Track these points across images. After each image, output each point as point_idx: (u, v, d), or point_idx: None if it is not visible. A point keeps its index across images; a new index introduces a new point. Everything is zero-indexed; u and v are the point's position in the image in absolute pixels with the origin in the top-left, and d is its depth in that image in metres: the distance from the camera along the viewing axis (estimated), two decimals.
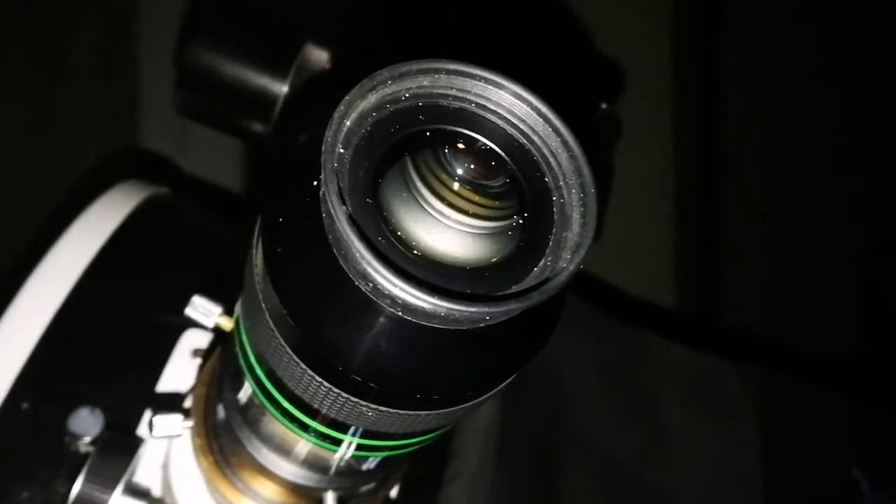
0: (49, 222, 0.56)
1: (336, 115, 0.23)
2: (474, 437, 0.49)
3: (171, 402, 0.42)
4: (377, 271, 0.22)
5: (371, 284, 0.22)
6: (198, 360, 0.46)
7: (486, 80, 0.25)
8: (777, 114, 1.03)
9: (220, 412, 0.35)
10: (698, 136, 1.03)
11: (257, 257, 0.26)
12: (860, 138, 1.01)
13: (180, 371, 0.47)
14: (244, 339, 0.29)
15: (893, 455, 0.58)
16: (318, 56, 0.52)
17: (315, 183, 0.24)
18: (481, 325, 0.23)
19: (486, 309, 0.22)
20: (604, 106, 0.47)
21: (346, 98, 0.23)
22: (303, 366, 0.25)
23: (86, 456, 0.42)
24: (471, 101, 0.25)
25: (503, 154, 0.25)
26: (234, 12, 0.53)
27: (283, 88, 0.51)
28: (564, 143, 0.25)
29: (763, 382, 0.59)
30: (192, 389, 0.40)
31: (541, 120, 0.25)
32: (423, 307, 0.22)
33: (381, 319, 0.23)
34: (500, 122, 0.25)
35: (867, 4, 1.02)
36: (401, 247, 0.23)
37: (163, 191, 0.58)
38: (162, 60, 0.86)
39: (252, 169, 0.88)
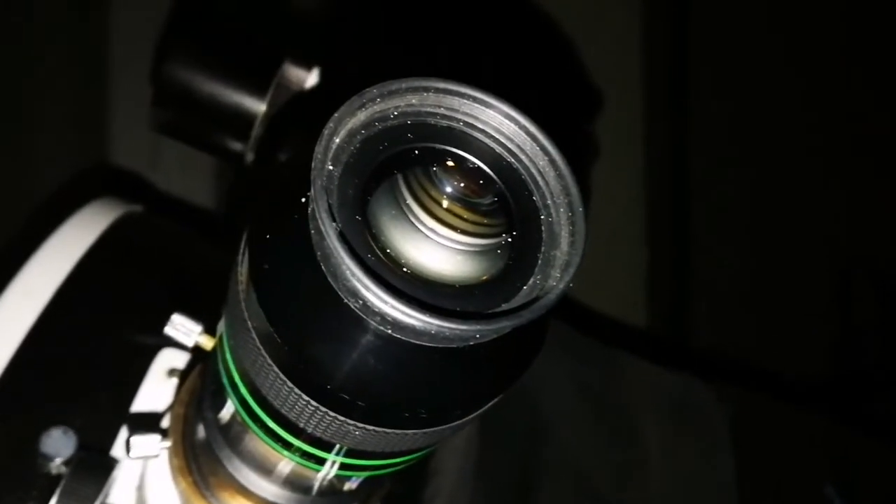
0: (21, 240, 0.55)
1: (325, 131, 0.23)
2: (453, 456, 0.49)
3: (147, 422, 0.41)
4: (367, 288, 0.22)
5: (361, 301, 0.22)
6: (174, 380, 0.45)
7: (475, 99, 0.25)
8: (749, 135, 1.05)
9: (200, 432, 0.35)
10: (669, 156, 1.04)
11: (243, 274, 0.26)
12: (832, 160, 1.03)
13: (156, 391, 0.46)
14: (228, 356, 0.29)
15: (865, 474, 0.59)
16: (297, 74, 0.52)
17: (303, 200, 0.24)
18: (471, 343, 0.23)
19: (477, 327, 0.22)
20: (584, 126, 0.47)
21: (336, 115, 0.23)
22: (289, 384, 0.25)
23: (58, 478, 0.41)
24: (459, 120, 0.25)
25: (491, 172, 0.25)
26: (212, 29, 0.53)
27: (261, 106, 0.51)
28: (552, 161, 0.25)
29: (737, 402, 0.59)
30: (170, 409, 0.40)
31: (528, 139, 0.25)
32: (413, 324, 0.22)
33: (370, 337, 0.23)
34: (487, 140, 0.26)
35: (840, 19, 1.04)
36: (390, 264, 0.23)
37: (136, 208, 0.57)
38: (133, 75, 0.85)
39: (225, 184, 0.88)
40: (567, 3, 0.91)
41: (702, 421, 0.58)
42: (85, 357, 0.48)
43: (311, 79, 0.51)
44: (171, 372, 0.46)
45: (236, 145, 0.52)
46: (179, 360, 0.47)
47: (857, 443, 0.61)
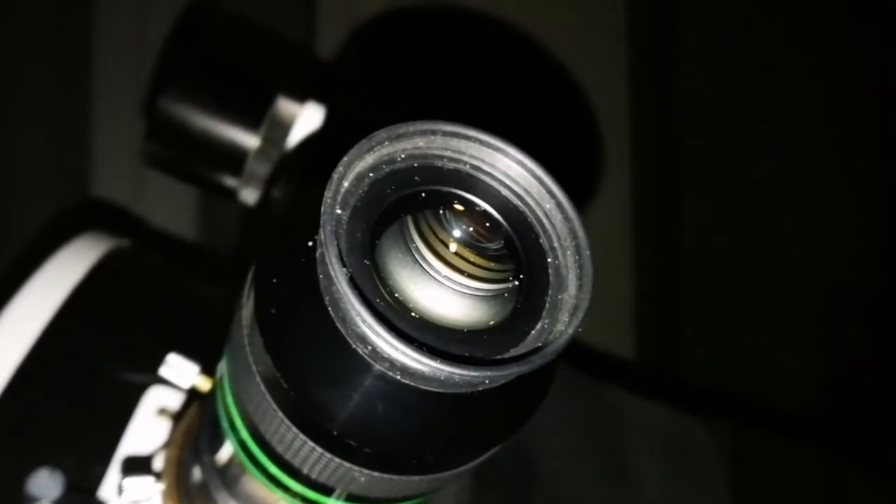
0: (5, 275, 0.54)
1: (335, 175, 0.23)
2: (446, 498, 0.48)
3: (138, 465, 0.40)
4: (377, 334, 0.21)
5: (370, 347, 0.22)
6: (163, 419, 0.44)
7: (481, 142, 0.25)
8: (737, 165, 1.05)
9: (196, 474, 0.34)
10: (657, 186, 1.05)
11: (247, 318, 0.25)
12: (819, 190, 1.04)
13: (145, 430, 0.45)
14: (229, 399, 0.28)
15: None
16: (290, 108, 0.52)
17: (310, 244, 0.24)
18: (479, 388, 0.23)
19: (488, 373, 0.22)
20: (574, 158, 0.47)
21: (345, 159, 0.23)
22: (294, 429, 0.25)
23: None
24: (465, 163, 0.25)
25: (498, 215, 0.25)
26: (206, 64, 0.53)
27: (254, 141, 0.51)
28: (559, 205, 0.25)
29: (731, 437, 0.59)
30: (164, 450, 0.39)
31: (534, 181, 0.25)
32: (423, 371, 0.22)
33: (378, 382, 0.23)
34: (493, 183, 0.25)
35: (830, 54, 1.05)
36: (399, 308, 0.23)
37: (124, 242, 0.57)
38: (116, 107, 0.85)
39: (209, 216, 0.88)
40: (554, 33, 0.92)
41: (696, 456, 0.58)
42: (72, 395, 0.47)
43: (305, 113, 0.51)
44: (161, 411, 0.45)
45: (229, 180, 0.51)
46: (169, 398, 0.46)
47: (854, 477, 0.61)
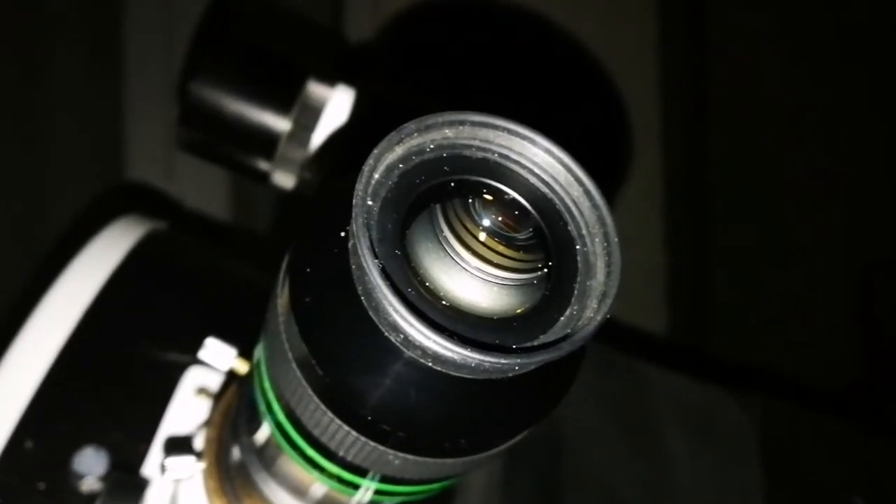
0: (45, 261, 0.56)
1: (365, 168, 0.23)
2: (478, 473, 0.49)
3: (180, 444, 0.41)
4: (409, 323, 0.22)
5: (402, 336, 0.23)
6: (202, 399, 0.46)
7: (509, 131, 0.25)
8: (767, 134, 1.04)
9: (235, 454, 0.35)
10: (687, 162, 1.04)
11: (283, 305, 0.26)
12: (851, 163, 1.03)
13: (184, 410, 0.46)
14: (266, 383, 0.29)
15: (894, 482, 0.59)
16: (321, 91, 0.52)
17: (343, 234, 0.24)
18: (509, 374, 0.24)
19: (518, 360, 0.22)
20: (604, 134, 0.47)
21: (375, 151, 0.24)
22: (330, 414, 0.25)
23: (89, 496, 0.42)
24: (493, 152, 0.26)
25: (526, 203, 0.25)
26: (236, 49, 0.53)
27: (285, 124, 0.52)
28: (587, 192, 0.25)
29: (763, 412, 0.59)
30: (201, 430, 0.40)
31: (562, 169, 0.26)
32: (453, 358, 0.22)
33: (410, 369, 0.24)
34: (522, 171, 0.26)
35: (859, 41, 1.04)
36: (429, 297, 0.24)
37: (161, 225, 0.58)
38: (149, 92, 0.86)
39: (241, 197, 0.89)
40: (583, 23, 0.91)
41: (728, 432, 0.58)
42: (114, 376, 0.49)
43: (335, 96, 0.52)
44: (200, 391, 0.46)
45: (261, 164, 0.52)
46: (208, 378, 0.47)
47: (885, 451, 0.61)
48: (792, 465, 0.58)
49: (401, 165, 0.25)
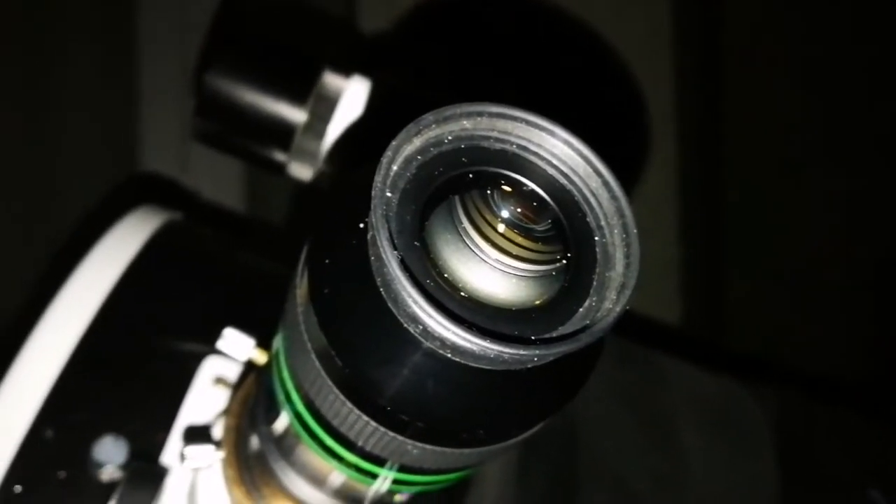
0: (63, 252, 0.56)
1: (384, 160, 0.24)
2: (493, 463, 0.49)
3: (199, 433, 0.42)
4: (428, 315, 0.22)
5: (421, 327, 0.23)
6: (220, 388, 0.46)
7: (528, 123, 0.25)
8: (781, 130, 1.04)
9: (254, 443, 0.35)
10: (702, 153, 1.04)
11: (302, 296, 0.26)
12: (865, 156, 1.02)
13: (203, 399, 0.47)
14: (284, 373, 0.29)
15: None
16: (336, 82, 0.52)
17: (362, 225, 0.25)
18: (528, 365, 0.24)
19: (537, 352, 0.22)
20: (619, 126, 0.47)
21: (393, 143, 0.24)
22: (349, 404, 0.26)
23: (110, 484, 0.42)
24: (512, 143, 0.26)
25: (545, 195, 0.25)
26: (252, 40, 0.53)
27: (301, 115, 0.52)
28: (605, 183, 0.25)
29: (777, 403, 0.59)
30: (220, 419, 0.41)
31: (581, 160, 0.26)
32: (472, 350, 0.22)
33: (429, 360, 0.24)
34: (540, 162, 0.26)
35: (877, 40, 1.03)
36: (448, 289, 0.24)
37: (177, 216, 0.58)
38: (163, 83, 0.86)
39: (256, 188, 0.89)
40: (598, 14, 0.91)
41: (742, 424, 0.58)
42: (133, 366, 0.49)
43: (350, 87, 0.52)
44: (218, 380, 0.47)
45: (278, 155, 0.52)
46: (225, 368, 0.48)
47: None
48: (806, 458, 0.58)
49: (419, 157, 0.25)
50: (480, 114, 0.25)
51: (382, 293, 0.24)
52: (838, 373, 0.95)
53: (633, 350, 0.60)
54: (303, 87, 0.51)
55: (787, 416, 0.60)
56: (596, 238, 0.25)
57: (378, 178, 0.23)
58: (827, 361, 0.96)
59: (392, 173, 0.24)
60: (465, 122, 0.25)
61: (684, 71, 1.01)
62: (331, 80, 0.52)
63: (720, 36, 1.03)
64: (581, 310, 0.24)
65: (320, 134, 0.51)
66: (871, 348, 1.00)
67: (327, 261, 0.25)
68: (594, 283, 0.25)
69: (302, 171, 0.52)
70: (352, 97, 0.51)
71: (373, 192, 0.23)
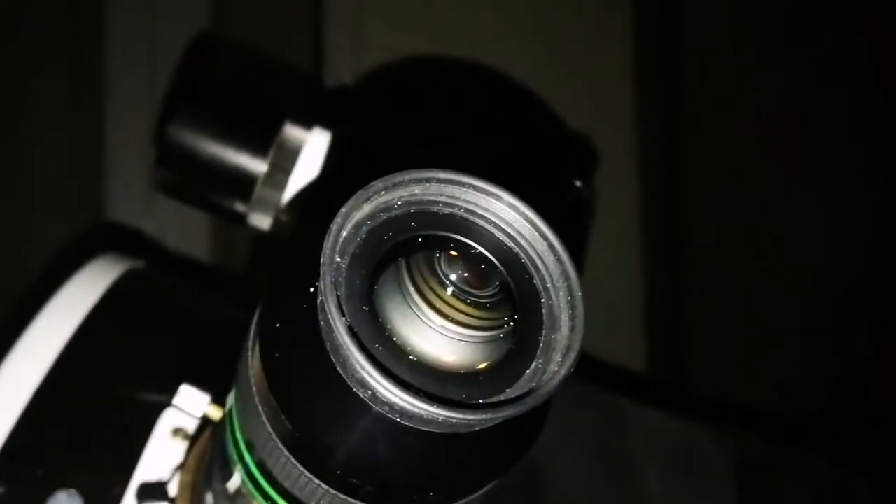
0: (24, 299, 0.55)
1: (333, 226, 0.24)
2: None
3: (154, 490, 0.41)
4: (376, 381, 0.22)
5: (370, 392, 0.23)
6: (179, 441, 0.46)
7: (475, 188, 0.26)
8: (742, 168, 1.06)
9: (209, 501, 0.35)
10: (663, 193, 1.05)
11: (253, 359, 0.26)
12: (825, 191, 1.04)
13: (161, 451, 0.46)
14: (237, 433, 0.29)
15: None
16: (297, 134, 0.53)
17: (311, 290, 0.25)
18: (476, 428, 0.24)
19: (483, 416, 0.23)
20: (577, 184, 0.48)
21: (343, 210, 0.24)
22: (300, 467, 0.26)
23: None
24: (460, 207, 0.26)
25: (492, 257, 0.26)
26: (213, 91, 0.54)
27: (262, 166, 0.52)
28: (551, 246, 0.26)
29: (740, 448, 0.60)
30: (178, 475, 0.40)
31: (527, 224, 0.26)
32: (421, 414, 0.23)
33: (379, 424, 0.24)
34: (488, 226, 0.26)
35: (836, 65, 1.05)
36: (396, 353, 0.24)
37: (139, 264, 0.58)
38: (129, 133, 0.87)
39: (221, 239, 0.89)
40: (558, 62, 0.93)
41: (704, 468, 0.58)
42: (90, 418, 0.49)
43: (312, 139, 0.52)
44: (177, 432, 0.46)
45: (238, 205, 0.52)
46: (184, 419, 0.47)
47: (861, 485, 0.62)
48: (768, 500, 0.58)
49: (369, 222, 0.25)
50: (429, 180, 0.26)
51: (332, 357, 0.24)
52: (801, 408, 0.96)
53: (595, 394, 0.60)
54: (264, 139, 0.52)
55: (748, 459, 0.60)
56: (542, 300, 0.26)
57: (327, 245, 0.24)
58: (790, 397, 0.97)
59: (341, 239, 0.24)
60: (414, 188, 0.26)
61: (646, 106, 1.02)
62: (292, 131, 0.52)
63: (682, 72, 1.06)
64: (528, 372, 0.25)
65: (281, 185, 0.51)
66: (833, 382, 1.01)
67: (278, 325, 0.25)
68: (540, 344, 0.25)
69: (262, 221, 0.53)
70: (313, 149, 0.52)
71: (322, 259, 0.23)
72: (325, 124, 0.52)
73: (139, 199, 0.87)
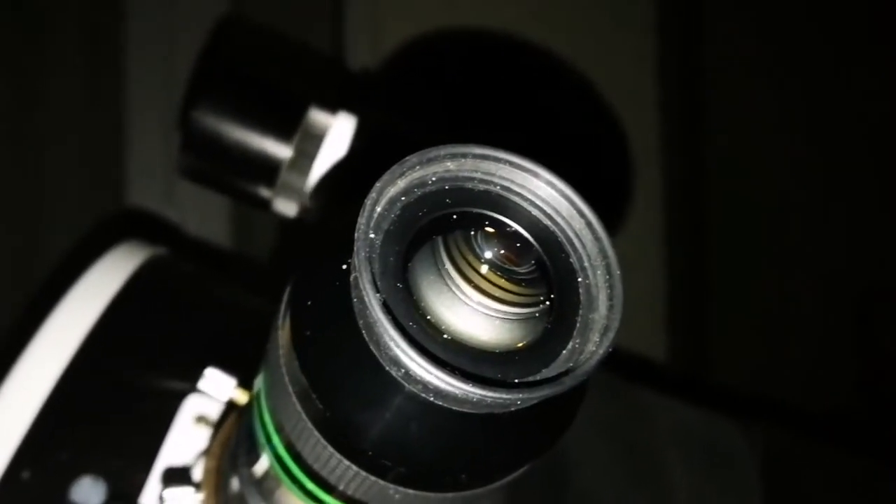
0: (45, 287, 0.55)
1: (368, 201, 0.23)
2: None
3: (178, 475, 0.41)
4: (410, 358, 0.22)
5: (403, 370, 0.23)
6: (202, 427, 0.45)
7: (511, 164, 0.26)
8: (766, 160, 1.05)
9: (234, 485, 0.35)
10: (687, 188, 1.04)
11: (283, 338, 0.26)
12: (846, 188, 1.03)
13: (183, 438, 0.46)
14: (265, 415, 0.29)
15: None
16: (322, 119, 0.52)
17: (344, 267, 0.24)
18: (511, 409, 0.23)
19: (520, 395, 0.22)
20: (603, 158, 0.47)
21: (377, 184, 0.24)
22: (330, 448, 0.25)
23: None
24: (495, 184, 0.26)
25: (528, 235, 0.25)
26: (238, 76, 0.53)
27: (286, 151, 0.52)
28: (588, 224, 0.25)
29: (764, 438, 0.59)
30: (202, 460, 0.40)
31: (564, 201, 0.26)
32: (455, 394, 0.22)
33: (411, 403, 0.24)
34: (524, 203, 0.26)
35: (855, 53, 1.04)
36: (431, 331, 0.24)
37: (162, 251, 0.58)
38: (149, 118, 0.87)
39: (242, 225, 0.89)
40: (582, 51, 0.92)
41: (729, 460, 0.57)
42: (113, 404, 0.49)
43: (336, 123, 0.52)
44: (199, 419, 0.46)
45: (263, 191, 0.52)
46: (207, 406, 0.47)
47: (886, 479, 0.61)
48: (794, 494, 0.57)
49: (403, 198, 0.25)
50: (464, 155, 0.25)
51: (364, 335, 0.23)
52: (822, 406, 0.95)
53: (619, 385, 0.59)
54: (289, 124, 0.51)
55: (774, 452, 0.60)
56: (579, 279, 0.25)
57: (362, 220, 0.23)
58: (813, 393, 0.96)
59: (376, 214, 0.24)
60: (449, 164, 0.25)
61: (669, 106, 1.02)
62: (317, 116, 0.52)
63: (704, 71, 1.05)
64: (564, 352, 0.24)
65: (305, 170, 0.51)
66: (854, 381, 1.00)
67: (310, 302, 0.25)
68: (577, 324, 0.24)
69: (286, 207, 0.52)
70: (338, 134, 0.51)
71: (356, 234, 0.23)
72: (350, 108, 0.51)
73: (160, 186, 0.86)
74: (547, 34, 0.91)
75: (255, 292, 0.54)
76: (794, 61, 1.05)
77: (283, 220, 0.54)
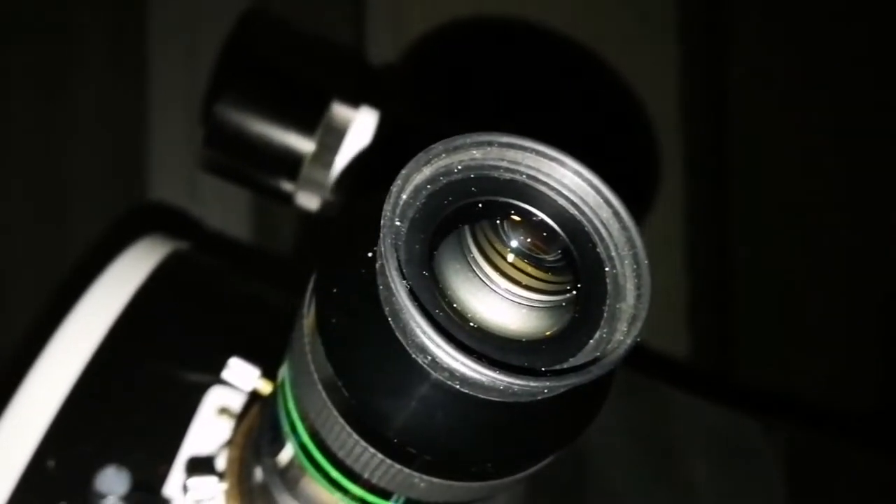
0: (69, 280, 0.56)
1: (393, 189, 0.23)
2: (498, 499, 0.49)
3: (202, 465, 0.41)
4: (437, 345, 0.22)
5: (429, 357, 0.23)
6: (224, 419, 0.45)
7: (537, 152, 0.25)
8: (789, 158, 1.04)
9: (258, 474, 0.35)
10: (710, 183, 1.04)
11: (308, 326, 0.26)
12: (871, 188, 1.02)
13: (206, 430, 0.46)
14: (290, 404, 0.29)
15: None
16: (345, 113, 0.52)
17: (370, 255, 0.24)
18: (538, 398, 0.23)
19: (547, 384, 0.22)
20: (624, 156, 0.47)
21: (403, 172, 0.24)
22: (355, 436, 0.25)
23: None
24: (521, 173, 0.26)
25: (555, 225, 0.25)
26: (261, 71, 0.53)
27: (309, 146, 0.52)
28: (616, 213, 0.25)
29: (788, 437, 0.58)
30: (226, 450, 0.40)
31: (591, 190, 0.25)
32: (482, 381, 0.22)
33: (437, 391, 0.23)
34: (550, 192, 0.26)
35: (879, 52, 1.03)
36: (457, 319, 0.23)
37: (184, 245, 0.58)
38: (172, 113, 0.87)
39: (264, 219, 0.89)
40: (606, 46, 0.92)
41: (752, 458, 0.57)
42: (137, 396, 0.49)
43: (359, 117, 0.52)
44: (222, 410, 0.46)
45: (285, 185, 0.52)
46: (230, 398, 0.47)
47: None
48: (817, 493, 0.57)
49: (428, 186, 0.24)
50: (490, 143, 0.25)
51: (391, 323, 0.23)
52: (846, 406, 0.94)
53: (641, 382, 0.59)
54: (311, 118, 0.51)
55: (798, 451, 0.59)
56: (606, 269, 0.25)
57: (387, 207, 0.23)
58: (835, 394, 0.95)
59: (401, 202, 0.24)
60: (474, 152, 0.25)
61: (691, 103, 1.01)
62: (339, 110, 0.52)
63: (727, 69, 1.04)
64: (592, 341, 0.24)
65: (328, 164, 0.51)
66: (879, 381, 0.99)
67: (335, 290, 0.25)
68: (605, 314, 0.24)
69: (309, 201, 0.52)
70: (360, 128, 0.51)
71: (382, 221, 0.23)
72: (372, 102, 0.51)
73: (182, 181, 0.87)
74: (569, 24, 0.90)
75: (277, 286, 0.55)
76: (821, 54, 1.04)
77: (305, 214, 0.54)
